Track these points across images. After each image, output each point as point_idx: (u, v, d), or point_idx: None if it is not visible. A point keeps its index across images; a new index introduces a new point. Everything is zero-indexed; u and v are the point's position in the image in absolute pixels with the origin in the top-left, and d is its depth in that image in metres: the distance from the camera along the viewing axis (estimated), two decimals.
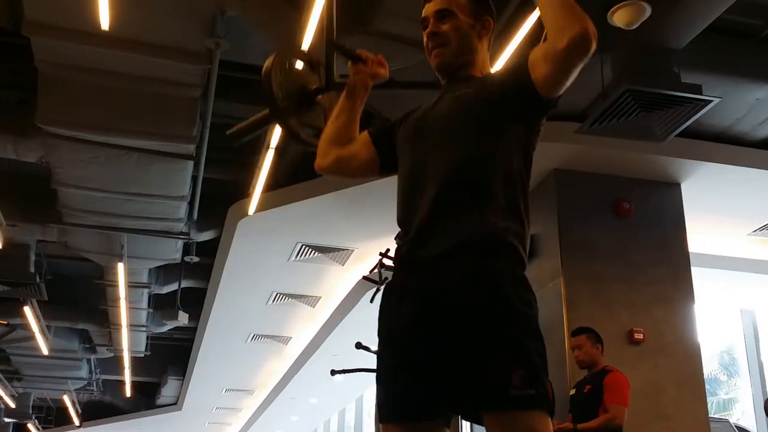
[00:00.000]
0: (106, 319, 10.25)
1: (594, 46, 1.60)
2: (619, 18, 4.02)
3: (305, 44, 4.26)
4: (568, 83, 1.68)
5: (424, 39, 1.89)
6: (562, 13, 1.63)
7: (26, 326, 9.66)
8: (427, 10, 1.88)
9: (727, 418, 11.42)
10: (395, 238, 1.80)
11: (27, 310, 8.94)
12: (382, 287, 1.82)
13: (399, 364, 1.66)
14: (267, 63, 1.99)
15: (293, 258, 7.80)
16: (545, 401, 1.54)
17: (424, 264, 1.66)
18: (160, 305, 9.92)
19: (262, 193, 6.33)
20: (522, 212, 1.70)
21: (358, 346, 4.79)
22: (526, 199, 1.73)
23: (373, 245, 7.13)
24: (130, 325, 10.10)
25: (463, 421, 6.22)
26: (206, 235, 7.73)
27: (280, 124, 2.02)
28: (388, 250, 4.52)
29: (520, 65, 1.73)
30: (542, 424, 1.53)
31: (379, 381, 1.72)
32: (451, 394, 1.58)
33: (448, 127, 1.77)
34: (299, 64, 2.14)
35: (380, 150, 1.94)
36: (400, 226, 1.78)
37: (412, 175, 1.78)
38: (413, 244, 1.69)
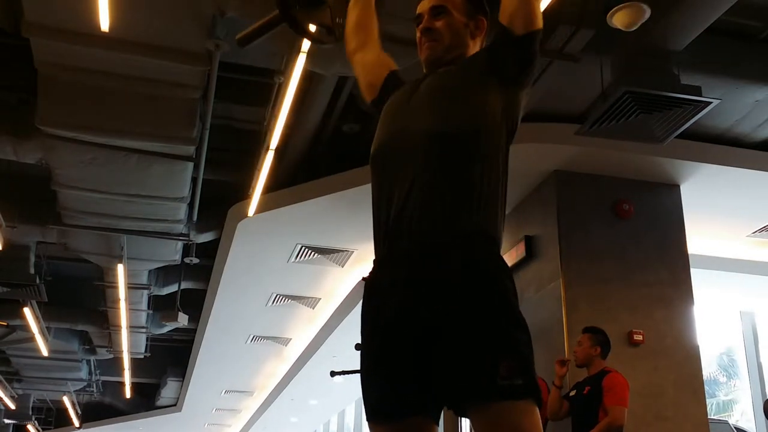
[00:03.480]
0: (105, 321, 10.25)
1: None
2: (618, 20, 4.02)
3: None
4: (537, 13, 1.71)
5: (417, 35, 1.90)
6: None
7: (26, 327, 9.65)
8: (422, 6, 1.90)
9: (726, 419, 11.41)
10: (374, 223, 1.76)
11: (27, 311, 8.93)
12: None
13: (385, 360, 1.64)
14: None
15: (293, 259, 7.80)
16: (533, 391, 1.53)
17: (410, 256, 1.63)
18: (160, 306, 9.91)
19: (261, 194, 6.33)
20: (501, 196, 1.70)
21: (358, 347, 4.79)
22: (505, 178, 1.73)
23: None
24: (130, 327, 10.09)
25: (462, 420, 6.22)
26: (206, 237, 7.72)
27: (289, 23, 2.03)
28: None
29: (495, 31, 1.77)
30: (530, 413, 1.52)
31: (365, 378, 1.69)
32: (439, 387, 1.57)
33: (429, 103, 1.77)
34: None
35: (383, 89, 1.97)
36: (376, 211, 1.75)
37: (388, 154, 1.76)
38: (395, 233, 1.67)
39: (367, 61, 2.07)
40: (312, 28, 2.10)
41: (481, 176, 1.66)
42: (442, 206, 1.64)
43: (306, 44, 4.24)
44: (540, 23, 1.74)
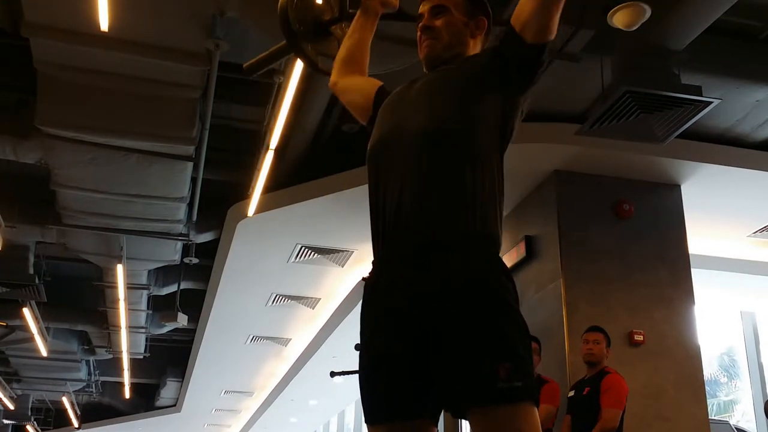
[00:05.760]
0: (105, 321, 10.24)
1: None
2: (618, 19, 4.02)
3: None
4: (554, 26, 1.67)
5: (418, 33, 1.91)
6: None
7: (25, 328, 9.64)
8: (423, 6, 1.91)
9: (727, 420, 11.41)
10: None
11: (26, 311, 8.93)
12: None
13: (384, 362, 1.63)
14: None
15: (293, 259, 7.80)
16: (532, 393, 1.53)
17: (407, 257, 1.63)
18: (160, 307, 9.91)
19: (261, 194, 6.32)
20: (498, 197, 1.69)
21: (358, 347, 4.79)
22: (501, 178, 1.72)
23: None
24: (129, 327, 10.08)
25: (461, 421, 6.21)
26: (206, 237, 7.72)
27: (296, 53, 2.09)
28: None
29: (503, 31, 1.74)
30: (529, 416, 1.52)
31: (364, 380, 1.68)
32: (438, 389, 1.57)
33: (424, 100, 1.76)
34: None
35: (375, 107, 1.96)
36: (373, 211, 1.75)
37: (383, 152, 1.77)
38: (392, 233, 1.66)
39: (354, 83, 2.08)
40: (320, 54, 2.14)
41: (473, 176, 1.65)
42: (436, 206, 1.63)
43: None
44: (553, 35, 1.69)
